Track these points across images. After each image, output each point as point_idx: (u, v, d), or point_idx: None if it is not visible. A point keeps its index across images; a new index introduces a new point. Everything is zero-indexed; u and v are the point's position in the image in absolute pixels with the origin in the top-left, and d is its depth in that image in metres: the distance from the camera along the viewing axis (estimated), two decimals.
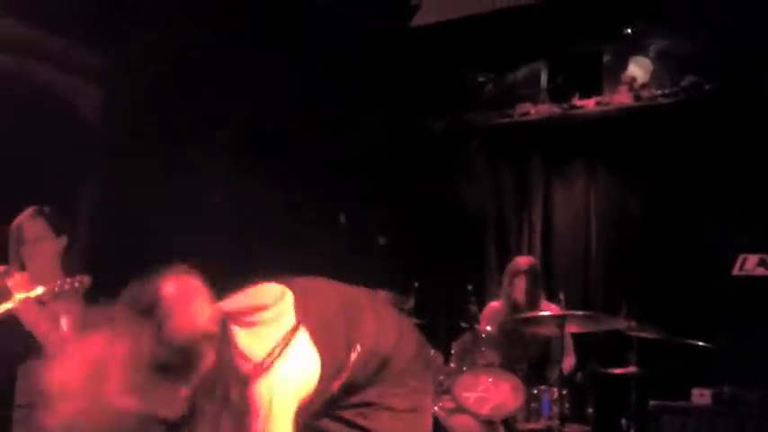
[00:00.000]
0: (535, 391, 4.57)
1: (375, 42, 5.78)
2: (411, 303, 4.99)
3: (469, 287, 4.84)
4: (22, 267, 3.52)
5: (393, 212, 6.33)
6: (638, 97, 5.84)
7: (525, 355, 4.96)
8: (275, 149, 6.34)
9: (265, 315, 1.95)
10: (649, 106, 5.78)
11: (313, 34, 5.65)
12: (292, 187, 6.18)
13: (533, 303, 5.02)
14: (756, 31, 5.14)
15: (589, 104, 6.03)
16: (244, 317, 1.95)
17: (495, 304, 5.22)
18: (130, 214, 5.71)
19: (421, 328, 2.49)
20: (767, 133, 5.09)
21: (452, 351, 4.68)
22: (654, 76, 5.84)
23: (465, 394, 4.42)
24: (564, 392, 4.48)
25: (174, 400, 1.78)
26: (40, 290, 3.24)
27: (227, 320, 1.91)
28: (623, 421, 4.56)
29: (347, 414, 2.10)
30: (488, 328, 4.81)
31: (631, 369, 4.52)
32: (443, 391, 4.43)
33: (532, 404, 4.56)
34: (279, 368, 1.87)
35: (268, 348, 1.89)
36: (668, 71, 5.80)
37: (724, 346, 4.47)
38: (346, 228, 6.31)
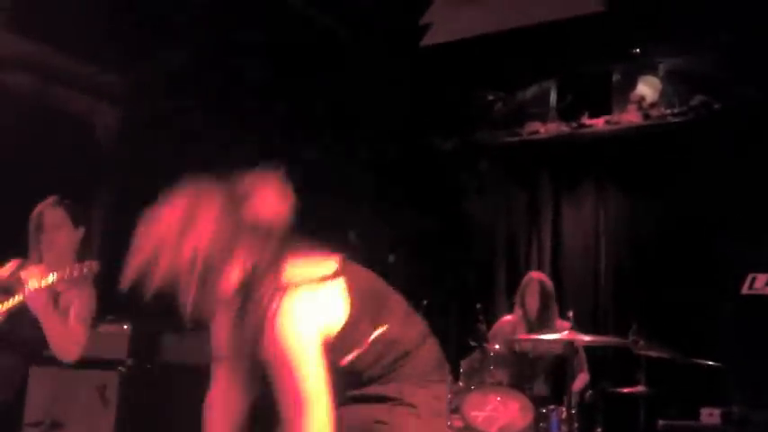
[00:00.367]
0: (544, 411, 4.56)
1: (385, 62, 5.81)
2: None
3: (478, 305, 4.85)
4: (41, 259, 3.58)
5: (402, 230, 6.35)
6: (647, 116, 5.86)
7: (534, 375, 4.95)
8: (287, 167, 6.37)
9: (313, 258, 2.12)
10: (658, 125, 5.79)
11: (325, 54, 5.70)
12: (301, 205, 6.22)
13: (546, 318, 5.02)
14: (765, 50, 5.15)
15: (598, 123, 6.04)
16: (295, 253, 2.09)
17: (507, 318, 5.23)
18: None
19: None
20: None
21: (461, 369, 4.68)
22: (663, 95, 5.85)
23: (473, 413, 4.41)
24: (573, 412, 4.46)
25: (238, 269, 2.01)
26: (51, 278, 3.27)
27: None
28: None
29: (365, 408, 2.14)
30: (497, 346, 4.81)
31: (640, 388, 4.51)
32: (452, 409, 4.42)
33: (541, 424, 4.54)
34: (309, 293, 2.01)
35: (306, 276, 2.03)
36: (677, 90, 5.81)
37: (733, 366, 4.46)
38: (355, 245, 6.33)
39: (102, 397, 4.39)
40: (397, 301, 2.26)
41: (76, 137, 5.53)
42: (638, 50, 5.80)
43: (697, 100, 5.66)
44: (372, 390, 2.15)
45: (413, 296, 2.41)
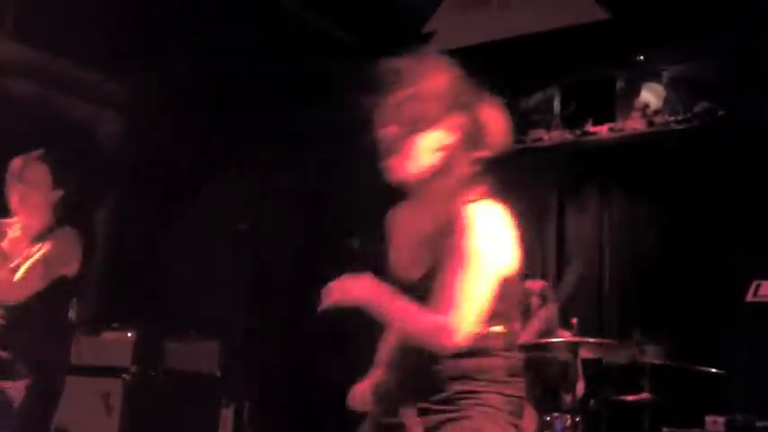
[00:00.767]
0: (548, 418, 4.55)
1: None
2: None
3: None
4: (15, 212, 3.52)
5: None
6: (651, 123, 5.84)
7: (538, 382, 4.94)
8: (291, 176, 6.39)
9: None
10: (662, 132, 5.78)
11: (326, 62, 5.71)
12: (309, 212, 6.23)
13: (547, 329, 5.02)
14: None
15: (602, 131, 6.03)
16: None
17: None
18: (144, 241, 5.76)
19: None
20: None
21: None
22: (667, 102, 5.84)
23: None
24: (577, 419, 4.46)
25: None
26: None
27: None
28: None
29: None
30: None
31: (644, 396, 4.50)
32: None
33: (545, 431, 4.54)
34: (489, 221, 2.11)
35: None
36: (681, 97, 5.80)
37: (737, 373, 4.45)
38: (360, 251, 6.33)
39: (106, 404, 4.40)
40: None
41: (79, 144, 5.55)
42: (641, 58, 5.80)
43: (701, 107, 5.65)
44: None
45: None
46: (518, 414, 2.18)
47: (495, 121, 2.26)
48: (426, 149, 2.14)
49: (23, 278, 3.33)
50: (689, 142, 5.64)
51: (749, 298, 4.64)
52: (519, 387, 2.18)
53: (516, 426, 2.16)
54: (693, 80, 5.77)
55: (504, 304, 2.14)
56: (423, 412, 2.13)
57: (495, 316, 2.13)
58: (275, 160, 6.48)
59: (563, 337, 4.86)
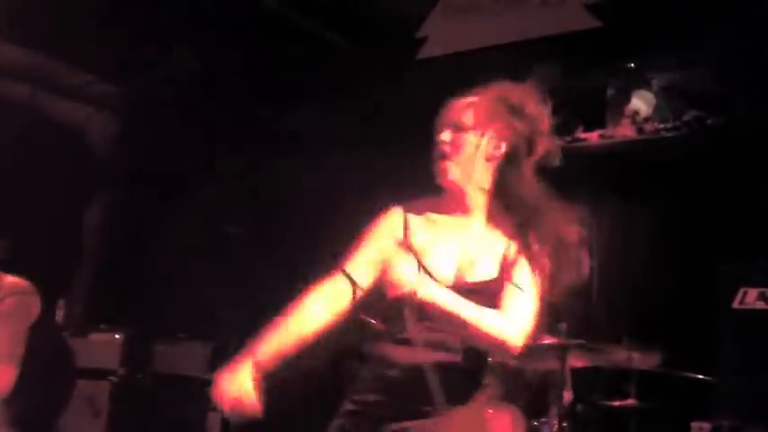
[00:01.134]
0: (535, 423, 4.56)
1: (381, 75, 5.84)
2: None
3: None
4: None
5: None
6: (641, 131, 5.85)
7: (526, 387, 4.94)
8: (286, 180, 6.40)
9: None
10: (652, 140, 5.79)
11: (321, 66, 5.72)
12: (305, 216, 6.23)
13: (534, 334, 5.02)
14: (759, 66, 5.18)
15: (592, 137, 6.04)
16: None
17: None
18: (133, 243, 5.75)
19: None
20: None
21: None
22: (657, 110, 5.86)
23: None
24: (564, 425, 4.46)
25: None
26: None
27: None
28: None
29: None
30: (489, 359, 4.80)
31: (631, 402, 4.51)
32: None
33: None
34: None
35: None
36: (671, 105, 5.82)
37: (724, 380, 4.46)
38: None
39: (93, 407, 4.39)
40: None
41: (71, 145, 5.55)
42: (632, 65, 5.82)
43: (691, 115, 5.66)
44: None
45: None
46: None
47: (548, 134, 2.38)
48: (477, 156, 2.20)
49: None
50: (679, 150, 5.66)
51: (736, 305, 4.65)
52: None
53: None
54: (684, 88, 5.79)
55: None
56: None
57: None
58: (265, 162, 6.48)
59: (550, 341, 4.87)
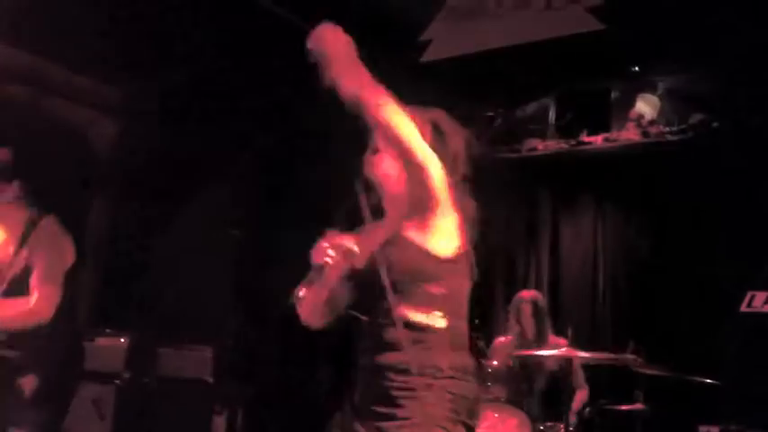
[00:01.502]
0: (542, 428, 4.56)
1: (385, 78, 5.83)
2: None
3: (476, 322, 4.84)
4: None
5: None
6: (645, 134, 5.87)
7: (532, 391, 4.94)
8: (287, 183, 6.39)
9: None
10: (657, 143, 5.80)
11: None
12: (304, 221, 6.21)
13: (540, 337, 5.02)
14: (763, 69, 5.18)
15: (597, 141, 6.05)
16: None
17: (501, 339, 5.22)
18: (138, 247, 5.74)
19: None
20: None
21: None
22: (661, 113, 5.87)
23: None
24: (571, 429, 4.46)
25: None
26: None
27: None
28: None
29: None
30: (495, 362, 4.80)
31: (638, 406, 4.50)
32: None
33: None
34: None
35: None
36: (676, 108, 5.83)
37: (731, 384, 4.45)
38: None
39: (99, 410, 4.38)
40: None
41: (73, 148, 5.54)
42: (637, 69, 5.82)
43: (695, 118, 5.67)
44: None
45: None
46: (469, 414, 2.22)
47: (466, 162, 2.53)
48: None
49: (43, 299, 3.28)
50: (683, 153, 5.66)
51: (743, 308, 4.65)
52: (468, 387, 2.23)
53: (467, 426, 2.19)
54: (688, 92, 5.79)
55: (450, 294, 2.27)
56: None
57: (436, 306, 2.24)
58: (269, 165, 6.47)
59: (558, 343, 4.87)
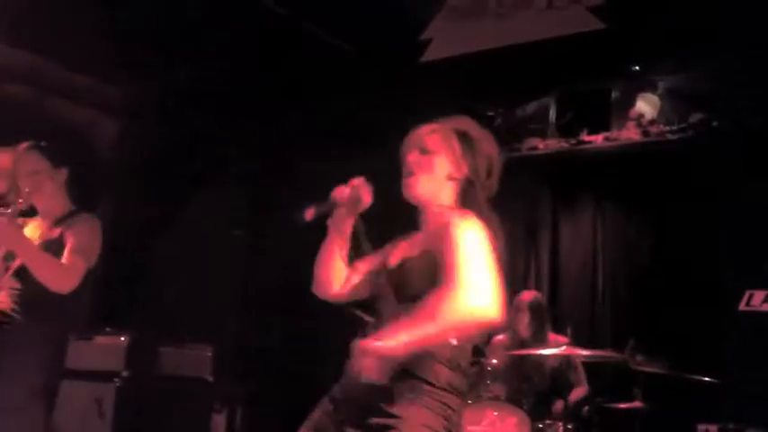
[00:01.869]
0: (540, 426, 4.56)
1: (384, 77, 5.84)
2: None
3: None
4: (33, 210, 3.50)
5: None
6: (646, 133, 5.87)
7: (531, 389, 4.95)
8: (286, 184, 6.40)
9: None
10: (657, 142, 5.80)
11: (324, 69, 5.72)
12: (299, 230, 6.22)
13: (539, 337, 5.03)
14: (763, 68, 5.18)
15: (597, 140, 6.05)
16: None
17: (500, 338, 5.22)
18: (138, 245, 5.75)
19: None
20: None
21: None
22: (661, 112, 5.87)
23: (470, 428, 4.41)
24: (569, 427, 4.46)
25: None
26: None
27: None
28: None
29: None
30: (494, 361, 4.81)
31: (637, 404, 4.51)
32: None
33: None
34: None
35: None
36: (676, 108, 5.83)
37: (730, 382, 4.45)
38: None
39: (99, 409, 4.38)
40: None
41: (75, 148, 5.55)
42: (637, 68, 5.82)
43: (695, 118, 5.67)
44: None
45: None
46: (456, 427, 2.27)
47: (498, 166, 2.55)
48: (439, 176, 2.49)
49: (72, 265, 3.32)
50: (683, 152, 5.66)
51: (742, 307, 4.65)
52: (454, 401, 2.28)
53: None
54: (689, 91, 5.80)
55: None
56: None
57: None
58: (270, 166, 6.48)
59: (558, 341, 4.88)
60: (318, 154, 6.35)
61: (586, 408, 4.81)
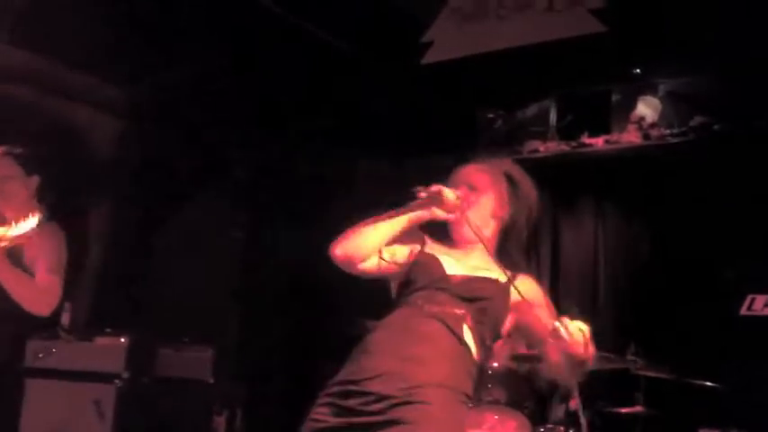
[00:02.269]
0: (542, 430, 4.55)
1: (385, 80, 5.84)
2: None
3: None
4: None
5: None
6: (646, 136, 5.85)
7: (531, 393, 4.94)
8: (285, 188, 6.40)
9: None
10: (658, 145, 5.79)
11: (324, 71, 5.71)
12: (304, 224, 6.22)
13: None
14: (764, 72, 5.18)
15: (598, 143, 6.04)
16: None
17: (500, 342, 5.21)
18: (138, 246, 5.74)
19: None
20: None
21: None
22: (662, 115, 5.86)
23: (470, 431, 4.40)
24: (570, 431, 4.45)
25: None
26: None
27: None
28: None
29: None
30: (495, 364, 4.80)
31: (638, 409, 4.50)
32: None
33: None
34: None
35: None
36: (677, 111, 5.82)
37: (732, 387, 4.45)
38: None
39: (99, 410, 4.37)
40: None
41: (76, 148, 5.54)
42: (638, 71, 5.82)
43: (697, 121, 5.66)
44: None
45: None
46: None
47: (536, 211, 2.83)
48: (485, 212, 2.74)
49: (50, 287, 3.30)
50: (684, 156, 5.65)
51: (743, 312, 4.65)
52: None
53: None
54: (690, 94, 5.79)
55: None
56: None
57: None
58: (270, 168, 6.48)
59: None
60: (319, 156, 6.35)
61: (587, 413, 4.80)
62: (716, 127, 5.55)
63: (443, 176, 2.78)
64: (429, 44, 5.61)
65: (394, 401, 2.33)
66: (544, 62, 5.59)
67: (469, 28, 5.64)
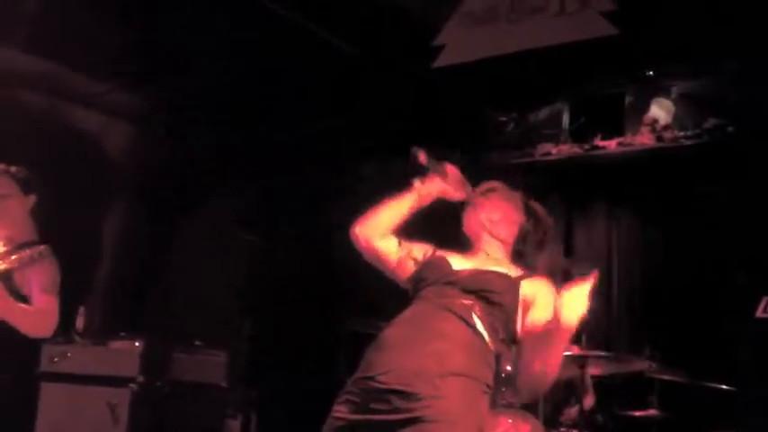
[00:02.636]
0: None
1: (397, 83, 5.84)
2: None
3: None
4: None
5: None
6: (660, 139, 5.83)
7: (545, 396, 4.92)
8: (300, 190, 6.41)
9: None
10: (671, 148, 5.77)
11: (334, 74, 5.72)
12: (317, 228, 6.24)
13: None
14: None
15: (611, 145, 6.02)
16: None
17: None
18: (152, 251, 5.77)
19: None
20: None
21: None
22: (676, 117, 5.84)
23: None
24: None
25: None
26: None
27: None
28: None
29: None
30: (508, 368, 4.78)
31: (653, 412, 4.48)
32: None
33: None
34: None
35: None
36: (690, 113, 5.80)
37: (746, 390, 4.42)
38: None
39: (113, 414, 4.39)
40: None
41: (89, 154, 5.57)
42: (651, 73, 5.80)
43: (710, 123, 5.64)
44: None
45: None
46: None
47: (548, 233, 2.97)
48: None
49: (48, 309, 3.32)
50: (698, 158, 5.63)
51: (759, 314, 4.62)
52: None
53: None
54: (703, 96, 5.76)
55: None
56: None
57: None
58: (282, 171, 6.49)
59: (571, 351, 4.84)
60: (330, 158, 6.36)
61: (600, 415, 4.79)
62: (729, 129, 5.53)
63: None
64: (441, 47, 5.61)
65: (411, 396, 2.33)
66: (557, 65, 5.58)
67: (481, 31, 5.64)
